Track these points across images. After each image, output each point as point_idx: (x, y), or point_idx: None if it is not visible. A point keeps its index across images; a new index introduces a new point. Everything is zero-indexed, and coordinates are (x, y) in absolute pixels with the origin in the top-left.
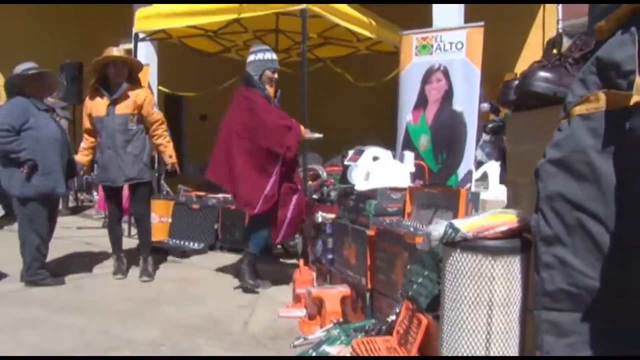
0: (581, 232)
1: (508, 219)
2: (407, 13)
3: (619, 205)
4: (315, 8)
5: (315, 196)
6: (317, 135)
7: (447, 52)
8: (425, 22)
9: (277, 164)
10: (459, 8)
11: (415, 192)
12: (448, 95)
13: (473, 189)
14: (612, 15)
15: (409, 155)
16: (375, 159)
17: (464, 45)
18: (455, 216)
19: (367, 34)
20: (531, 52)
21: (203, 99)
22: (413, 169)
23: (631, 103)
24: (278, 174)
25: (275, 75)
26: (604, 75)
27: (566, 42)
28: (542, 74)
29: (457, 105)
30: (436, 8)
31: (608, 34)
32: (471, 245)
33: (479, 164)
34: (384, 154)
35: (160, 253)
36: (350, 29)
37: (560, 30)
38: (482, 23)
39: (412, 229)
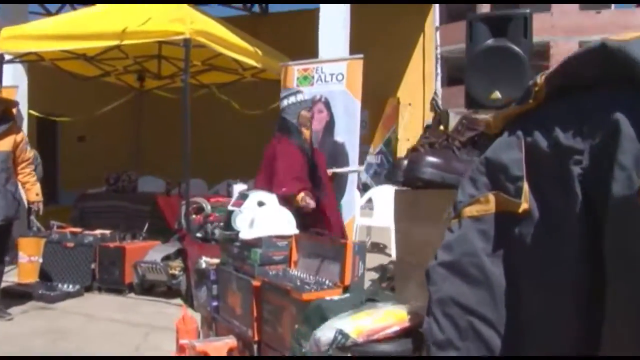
0: (473, 336)
1: (399, 319)
2: (295, 42)
3: (508, 309)
4: (199, 38)
5: (198, 234)
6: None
7: (328, 83)
8: (313, 52)
9: None
10: (345, 38)
11: (301, 240)
12: (329, 126)
13: (358, 217)
14: (500, 113)
15: None
16: (260, 204)
17: (344, 76)
18: (342, 268)
19: (251, 62)
20: (412, 76)
21: (80, 120)
22: None
23: (520, 211)
24: None
25: (310, 114)
26: (492, 176)
27: (453, 118)
28: (430, 159)
29: (339, 136)
30: (322, 38)
31: (495, 131)
32: (362, 350)
33: (364, 186)
34: (269, 198)
35: (28, 298)
36: (234, 57)
37: (439, 56)
38: (361, 55)
39: (298, 283)
